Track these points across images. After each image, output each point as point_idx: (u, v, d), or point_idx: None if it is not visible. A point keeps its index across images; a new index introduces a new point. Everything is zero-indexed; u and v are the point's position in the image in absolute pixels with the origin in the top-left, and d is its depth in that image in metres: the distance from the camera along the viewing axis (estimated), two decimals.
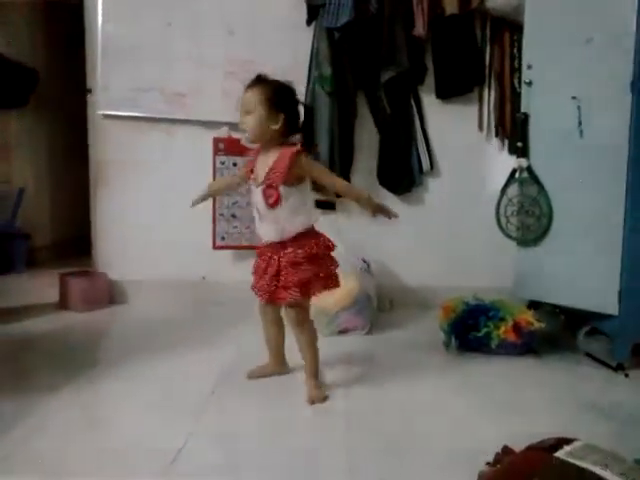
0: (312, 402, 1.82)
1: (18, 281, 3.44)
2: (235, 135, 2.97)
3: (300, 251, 1.78)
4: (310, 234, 1.83)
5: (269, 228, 1.82)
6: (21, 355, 2.30)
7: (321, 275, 1.80)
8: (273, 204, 1.77)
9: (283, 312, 1.93)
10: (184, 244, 3.01)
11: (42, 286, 3.19)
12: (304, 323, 1.87)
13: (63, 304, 2.94)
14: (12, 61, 3.60)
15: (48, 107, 4.08)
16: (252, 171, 1.86)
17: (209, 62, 2.93)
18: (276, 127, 1.76)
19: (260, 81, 1.81)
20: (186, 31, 2.92)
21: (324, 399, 1.84)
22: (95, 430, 1.68)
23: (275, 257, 1.81)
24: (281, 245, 1.81)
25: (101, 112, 2.98)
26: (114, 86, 2.93)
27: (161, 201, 3.02)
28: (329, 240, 1.86)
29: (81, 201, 3.31)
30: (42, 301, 2.98)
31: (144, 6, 2.91)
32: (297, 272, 1.77)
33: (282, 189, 1.76)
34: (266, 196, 1.79)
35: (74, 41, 3.18)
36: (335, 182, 1.89)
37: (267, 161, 1.80)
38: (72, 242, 4.15)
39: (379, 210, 1.85)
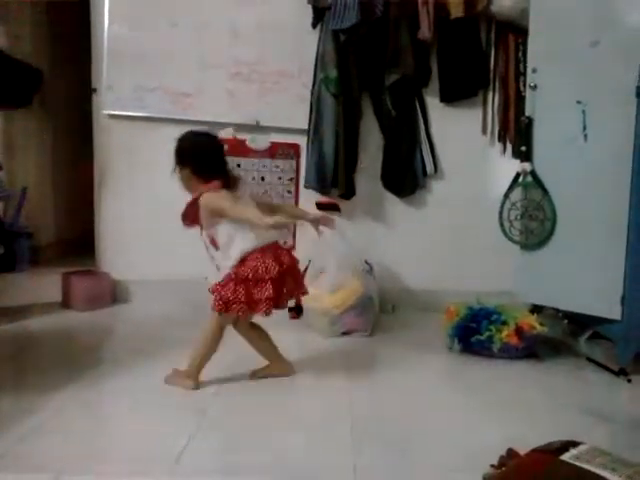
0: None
1: (21, 280, 3.43)
2: (240, 136, 2.98)
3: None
4: (248, 259, 1.83)
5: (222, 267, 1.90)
6: (23, 354, 2.30)
7: (241, 299, 1.81)
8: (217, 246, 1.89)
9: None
10: (187, 244, 3.00)
11: (45, 285, 3.19)
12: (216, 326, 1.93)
13: (66, 303, 2.94)
14: (16, 60, 3.61)
15: (53, 106, 4.09)
16: None
17: (214, 63, 2.94)
18: (190, 180, 1.88)
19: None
20: (191, 32, 2.93)
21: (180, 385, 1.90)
22: (97, 429, 1.69)
23: None
24: None
25: (106, 112, 2.99)
26: (119, 86, 2.94)
27: (165, 201, 3.01)
28: (265, 268, 1.81)
29: (85, 200, 3.32)
30: (45, 300, 2.98)
31: (150, 7, 2.92)
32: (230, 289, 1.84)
33: (213, 231, 1.86)
34: (210, 240, 1.90)
35: (79, 40, 3.19)
36: (238, 214, 1.82)
37: None
38: (75, 241, 4.15)
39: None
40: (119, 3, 2.92)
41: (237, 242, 1.84)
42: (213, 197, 1.83)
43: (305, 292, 2.03)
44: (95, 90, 3.02)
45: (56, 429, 1.61)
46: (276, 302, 1.86)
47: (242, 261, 1.83)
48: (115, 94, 2.95)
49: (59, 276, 3.02)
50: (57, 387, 1.87)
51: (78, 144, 3.73)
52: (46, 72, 3.85)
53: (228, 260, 1.86)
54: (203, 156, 1.90)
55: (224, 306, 1.84)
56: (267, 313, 1.84)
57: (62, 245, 4.23)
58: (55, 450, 1.49)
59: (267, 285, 1.82)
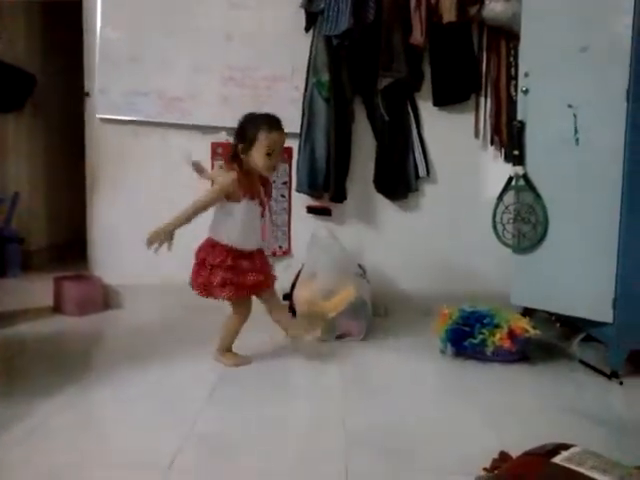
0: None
1: (13, 285, 3.42)
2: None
3: None
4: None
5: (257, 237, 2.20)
6: (14, 359, 2.29)
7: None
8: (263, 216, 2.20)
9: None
10: (180, 248, 2.99)
11: (37, 290, 3.17)
12: None
13: (58, 308, 2.93)
14: (9, 65, 3.59)
15: (45, 110, 4.07)
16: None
17: (207, 67, 2.93)
18: None
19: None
20: (185, 36, 2.93)
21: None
22: (88, 435, 1.67)
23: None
24: None
25: (99, 116, 2.98)
26: (112, 90, 2.93)
27: (158, 205, 3.00)
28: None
29: (77, 205, 3.31)
30: (37, 305, 2.96)
31: (143, 10, 2.92)
32: None
33: None
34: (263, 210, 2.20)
35: (72, 44, 3.18)
36: None
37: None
38: (67, 246, 4.13)
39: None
40: (112, 7, 2.92)
41: None
42: None
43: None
44: (87, 94, 3.01)
45: (47, 435, 1.60)
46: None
47: None
48: (108, 98, 2.94)
49: (51, 281, 3.00)
50: (49, 393, 1.86)
51: (70, 148, 3.72)
52: (39, 75, 3.84)
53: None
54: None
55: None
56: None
57: (54, 250, 4.21)
58: (46, 457, 1.48)
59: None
